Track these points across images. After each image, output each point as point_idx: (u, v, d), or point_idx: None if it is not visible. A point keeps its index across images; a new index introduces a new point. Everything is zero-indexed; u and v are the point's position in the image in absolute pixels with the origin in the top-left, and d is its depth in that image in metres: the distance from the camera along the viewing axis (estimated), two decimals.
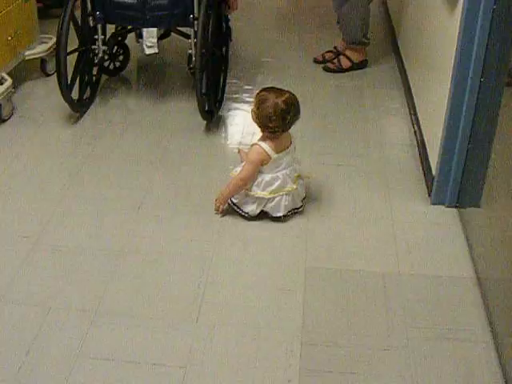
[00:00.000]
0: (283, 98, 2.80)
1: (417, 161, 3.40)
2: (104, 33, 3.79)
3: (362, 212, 3.03)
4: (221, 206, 2.96)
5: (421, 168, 3.33)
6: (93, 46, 3.75)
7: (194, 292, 2.55)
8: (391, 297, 2.55)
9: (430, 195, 3.10)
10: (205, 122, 3.68)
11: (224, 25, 3.89)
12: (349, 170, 3.33)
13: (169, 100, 4.03)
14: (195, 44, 3.51)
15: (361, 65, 4.37)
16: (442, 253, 2.79)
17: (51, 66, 4.13)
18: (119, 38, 4.13)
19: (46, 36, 4.16)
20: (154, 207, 3.03)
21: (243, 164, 2.92)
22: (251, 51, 4.66)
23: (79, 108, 3.77)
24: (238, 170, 2.97)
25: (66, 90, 3.55)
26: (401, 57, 4.34)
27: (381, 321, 2.44)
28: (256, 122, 2.87)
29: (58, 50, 3.51)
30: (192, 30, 3.60)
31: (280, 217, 2.92)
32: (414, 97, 3.79)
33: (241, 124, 3.77)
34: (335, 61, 4.35)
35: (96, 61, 3.84)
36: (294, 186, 2.91)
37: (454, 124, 2.86)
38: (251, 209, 2.93)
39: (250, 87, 4.17)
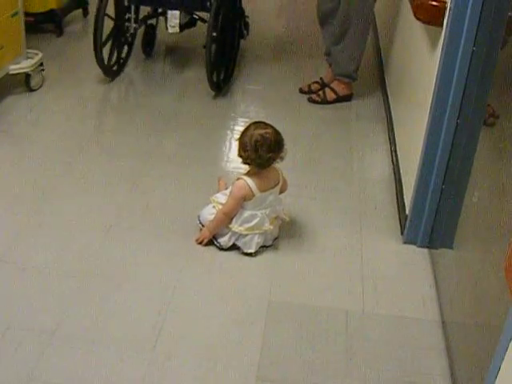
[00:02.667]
0: (261, 131, 2.78)
1: (392, 198, 3.38)
2: (136, 13, 4.48)
3: (333, 248, 3.00)
4: (205, 240, 2.92)
5: (396, 206, 3.31)
6: (126, 24, 4.44)
7: (154, 320, 2.51)
8: (353, 336, 2.51)
9: (402, 234, 3.08)
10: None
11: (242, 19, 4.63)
12: (324, 204, 3.31)
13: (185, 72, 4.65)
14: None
15: (346, 98, 4.37)
16: (409, 293, 2.76)
17: (35, 81, 4.13)
18: (149, 22, 4.70)
19: (33, 51, 4.14)
20: (124, 229, 3.00)
21: (227, 198, 2.89)
22: (237, 77, 4.64)
23: (111, 75, 4.41)
24: (218, 197, 2.95)
25: (101, 60, 4.21)
26: (387, 92, 4.34)
27: (340, 360, 2.40)
28: (237, 150, 2.85)
29: (96, 31, 4.10)
30: (209, 15, 4.11)
31: (251, 253, 2.89)
32: (396, 133, 3.78)
33: (223, 152, 3.75)
34: (320, 92, 4.34)
35: (128, 35, 4.48)
36: (271, 227, 2.89)
37: (428, 163, 2.84)
38: (224, 240, 2.90)
39: (232, 114, 4.16)
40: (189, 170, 3.51)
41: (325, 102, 4.32)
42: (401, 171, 3.41)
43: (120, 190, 3.28)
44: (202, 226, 2.94)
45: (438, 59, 2.71)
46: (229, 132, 3.97)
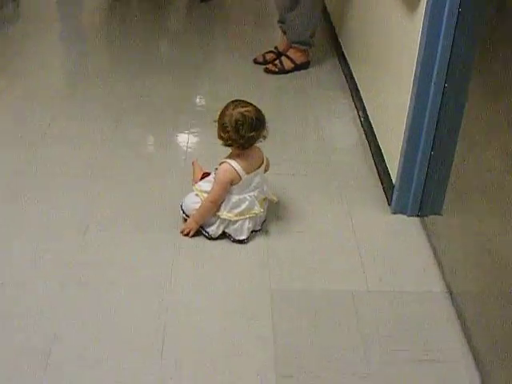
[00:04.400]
0: (241, 110, 2.63)
1: (371, 166, 3.29)
2: None
3: (322, 225, 2.89)
4: (191, 232, 2.76)
5: (377, 175, 3.21)
6: None
7: (155, 323, 2.34)
8: (363, 317, 2.41)
9: (390, 204, 2.99)
10: None
11: None
12: (303, 179, 3.19)
13: None
14: None
15: (303, 66, 4.24)
16: (409, 265, 2.68)
17: None
18: None
19: None
20: (102, 228, 2.79)
21: (211, 185, 2.72)
22: (188, 53, 4.48)
23: None
24: (201, 185, 2.79)
25: None
26: (344, 57, 4.23)
27: (356, 345, 2.30)
28: (217, 132, 2.69)
29: None
30: None
31: (243, 240, 2.75)
32: (364, 100, 3.67)
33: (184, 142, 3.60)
34: (277, 62, 4.21)
35: None
36: (261, 210, 2.76)
37: (415, 131, 2.74)
38: (212, 229, 2.75)
39: (187, 92, 4.00)
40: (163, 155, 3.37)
41: (282, 71, 4.19)
42: (377, 139, 3.30)
43: (95, 182, 3.07)
44: (186, 216, 2.79)
45: (422, 21, 2.59)
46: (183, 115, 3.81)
